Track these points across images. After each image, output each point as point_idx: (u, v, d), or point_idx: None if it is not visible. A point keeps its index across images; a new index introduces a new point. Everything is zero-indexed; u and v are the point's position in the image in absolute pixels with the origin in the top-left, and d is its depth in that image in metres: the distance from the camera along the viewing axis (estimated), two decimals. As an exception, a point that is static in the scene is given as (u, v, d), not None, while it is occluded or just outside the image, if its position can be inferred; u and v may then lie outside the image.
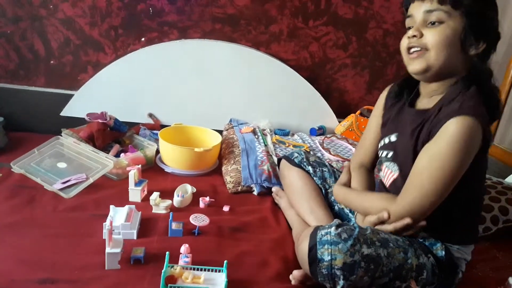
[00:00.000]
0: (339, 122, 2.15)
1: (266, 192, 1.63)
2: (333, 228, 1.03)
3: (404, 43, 1.09)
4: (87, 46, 1.96)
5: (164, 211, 1.41)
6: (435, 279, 1.11)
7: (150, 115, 2.03)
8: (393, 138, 1.19)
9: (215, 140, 1.80)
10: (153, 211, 1.41)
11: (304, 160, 1.48)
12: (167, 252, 1.08)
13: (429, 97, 1.14)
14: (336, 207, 1.41)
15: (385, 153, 1.22)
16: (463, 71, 1.08)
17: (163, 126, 1.92)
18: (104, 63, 1.96)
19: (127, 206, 1.33)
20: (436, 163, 1.00)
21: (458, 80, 1.08)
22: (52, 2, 1.87)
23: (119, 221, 1.25)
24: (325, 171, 1.46)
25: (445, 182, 1.01)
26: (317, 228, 1.06)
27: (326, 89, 2.14)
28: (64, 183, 1.49)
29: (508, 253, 1.47)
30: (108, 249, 1.08)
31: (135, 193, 1.47)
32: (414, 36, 1.05)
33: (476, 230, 1.22)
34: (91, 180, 1.51)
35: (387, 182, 1.20)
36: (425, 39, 1.05)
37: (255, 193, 1.63)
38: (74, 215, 1.34)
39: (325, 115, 2.14)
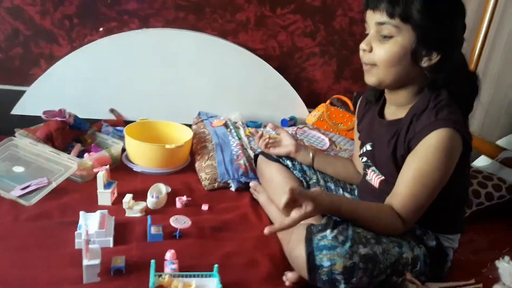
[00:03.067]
0: (309, 112, 2.12)
1: (244, 188, 1.57)
2: (328, 231, 1.00)
3: (360, 50, 1.08)
4: (38, 37, 1.78)
5: (139, 214, 1.31)
6: (427, 269, 1.12)
7: (112, 111, 1.89)
8: (368, 147, 1.22)
9: (185, 135, 1.70)
10: (126, 215, 1.31)
11: (282, 154, 1.44)
12: (152, 260, 1.00)
13: (396, 106, 1.15)
14: (318, 199, 1.37)
15: (365, 159, 1.25)
16: (419, 80, 1.09)
17: (126, 122, 1.80)
18: (59, 56, 1.80)
19: (98, 211, 1.22)
20: (426, 174, 1.03)
21: (422, 87, 1.09)
22: (-4, -12, 1.69)
23: (93, 228, 1.14)
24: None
25: (435, 187, 1.05)
26: (310, 231, 1.02)
27: (295, 79, 2.10)
28: (23, 189, 1.35)
29: (484, 235, 1.51)
30: (85, 261, 0.98)
31: (105, 196, 1.36)
32: (364, 50, 1.05)
33: (462, 219, 1.26)
34: (54, 185, 1.38)
35: (375, 183, 1.21)
36: (374, 55, 1.05)
37: (232, 189, 1.56)
38: (39, 224, 1.21)
39: (296, 106, 2.10)
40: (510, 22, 1.85)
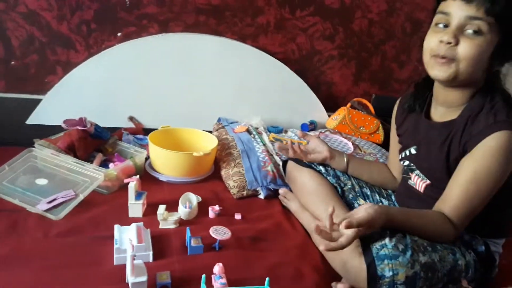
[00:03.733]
0: (328, 116, 2.08)
1: (272, 195, 1.52)
2: (387, 239, 0.96)
3: (433, 44, 1.02)
4: (55, 43, 1.72)
5: (173, 226, 1.26)
6: (477, 275, 1.09)
7: (131, 119, 1.84)
8: (413, 150, 1.18)
9: (210, 142, 1.65)
10: (160, 227, 1.26)
11: (313, 159, 1.40)
12: (203, 275, 0.94)
13: (446, 107, 1.11)
14: (356, 205, 1.33)
15: (407, 163, 1.21)
16: (482, 82, 1.06)
17: (146, 130, 1.75)
18: (76, 63, 1.74)
19: (134, 224, 1.17)
20: (482, 177, 1.00)
21: (478, 90, 1.06)
22: (11, -7, 1.63)
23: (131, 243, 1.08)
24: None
25: (490, 193, 1.02)
26: (367, 241, 0.97)
27: (314, 82, 2.06)
28: (50, 202, 1.28)
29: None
30: (132, 279, 0.93)
31: (136, 208, 1.30)
32: (449, 43, 0.98)
33: (509, 223, 1.21)
34: (81, 197, 1.32)
35: (420, 188, 1.17)
36: (459, 49, 0.99)
37: (261, 196, 1.51)
38: (72, 240, 1.15)
39: (315, 109, 2.06)
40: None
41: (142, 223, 1.18)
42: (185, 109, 1.88)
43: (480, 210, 1.04)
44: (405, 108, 1.24)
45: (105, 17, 1.73)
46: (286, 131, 1.96)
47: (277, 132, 1.92)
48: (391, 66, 2.15)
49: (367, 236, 0.99)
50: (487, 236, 1.15)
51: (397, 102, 1.32)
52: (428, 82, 1.15)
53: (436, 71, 1.03)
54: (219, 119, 1.93)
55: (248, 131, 1.82)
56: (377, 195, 1.37)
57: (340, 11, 1.98)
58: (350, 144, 1.88)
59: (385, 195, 1.38)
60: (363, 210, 0.94)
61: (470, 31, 0.97)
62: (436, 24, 1.03)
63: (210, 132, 1.84)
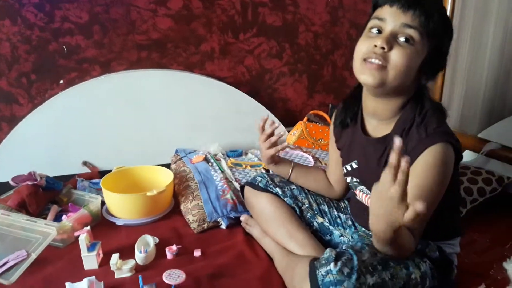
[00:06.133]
0: (288, 131, 2.08)
1: (235, 223, 1.50)
2: (332, 264, 0.95)
3: (365, 49, 1.00)
4: (-4, 100, 1.70)
5: (129, 274, 1.23)
6: (435, 282, 1.08)
7: (85, 163, 1.81)
8: (354, 165, 1.18)
9: (166, 177, 1.63)
10: (116, 277, 1.23)
11: (270, 182, 1.38)
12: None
13: (378, 119, 1.11)
14: (315, 223, 1.33)
15: (350, 179, 1.21)
16: (411, 93, 1.06)
17: (102, 173, 1.72)
18: (20, 116, 1.71)
19: (85, 279, 1.13)
20: (426, 190, 0.98)
21: (407, 101, 1.06)
22: None
23: (81, 301, 1.05)
24: (294, 188, 1.38)
25: (435, 201, 1.01)
26: (313, 266, 0.96)
27: (268, 101, 2.07)
28: (1, 266, 1.25)
29: (483, 232, 1.50)
30: None
31: (90, 260, 1.27)
32: (382, 48, 0.97)
33: (459, 222, 1.22)
34: (33, 256, 1.28)
35: (367, 202, 1.17)
36: (391, 56, 0.98)
37: (223, 226, 1.49)
38: (23, 305, 1.12)
39: (273, 127, 2.06)
40: (471, 16, 1.87)
41: (94, 277, 1.15)
42: (140, 146, 1.86)
43: (429, 217, 1.03)
44: (338, 125, 1.24)
45: (44, 66, 1.71)
46: (246, 153, 1.95)
47: (237, 155, 1.91)
48: (343, 74, 2.17)
49: (315, 263, 0.98)
50: (441, 239, 1.15)
51: (334, 114, 1.30)
52: (357, 94, 1.15)
53: (366, 76, 1.00)
54: (176, 151, 1.91)
55: (206, 159, 1.81)
56: (334, 210, 1.36)
57: (283, 28, 2.00)
58: (310, 158, 1.88)
59: (342, 209, 1.38)
60: None
61: (402, 39, 0.97)
62: (370, 30, 1.02)
63: (169, 165, 1.83)
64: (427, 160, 0.98)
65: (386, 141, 1.07)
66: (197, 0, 1.83)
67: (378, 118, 1.11)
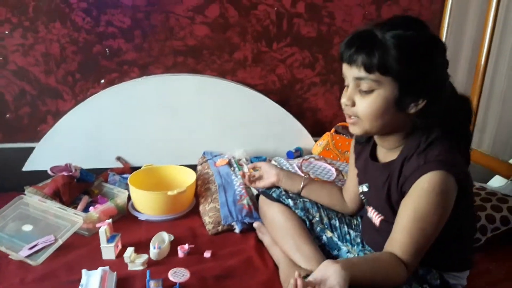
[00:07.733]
0: (315, 141, 2.10)
1: (249, 228, 1.55)
2: None
3: (342, 105, 1.06)
4: (44, 95, 1.86)
5: (141, 267, 1.32)
6: (434, 309, 1.07)
7: (118, 159, 1.94)
8: (365, 188, 1.21)
9: (190, 178, 1.72)
10: (129, 269, 1.32)
11: (283, 193, 1.42)
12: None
13: (386, 149, 1.13)
14: (324, 237, 1.35)
15: (363, 198, 1.25)
16: (407, 125, 1.06)
17: (133, 169, 1.83)
18: (64, 111, 1.86)
19: (100, 269, 1.23)
20: (423, 216, 0.98)
21: (411, 131, 1.06)
22: (2, 53, 1.77)
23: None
24: (306, 201, 1.41)
25: (435, 229, 1.00)
26: None
27: (298, 110, 2.09)
28: (31, 248, 1.38)
29: (501, 263, 1.44)
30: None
31: (108, 251, 1.38)
32: (347, 105, 1.03)
33: (471, 255, 1.19)
34: (60, 242, 1.41)
35: (376, 222, 1.19)
36: (357, 109, 1.02)
37: (236, 231, 1.55)
38: (45, 285, 1.24)
39: (301, 136, 2.09)
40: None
41: (108, 267, 1.25)
42: (171, 146, 1.96)
43: (428, 247, 1.02)
44: (357, 142, 1.27)
45: (88, 66, 1.85)
46: (270, 160, 1.99)
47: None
48: (377, 88, 2.15)
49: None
50: (447, 269, 1.13)
51: (353, 139, 1.33)
52: None
53: (351, 128, 1.08)
54: (203, 153, 1.99)
55: (229, 163, 1.87)
56: (345, 226, 1.37)
57: (318, 39, 2.01)
58: (333, 170, 1.88)
59: (353, 226, 1.39)
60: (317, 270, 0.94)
61: (362, 89, 1.00)
62: (345, 85, 1.07)
63: (196, 166, 1.92)
64: (423, 186, 0.98)
65: (390, 167, 1.09)
66: (233, 9, 1.89)
67: (386, 148, 1.13)
